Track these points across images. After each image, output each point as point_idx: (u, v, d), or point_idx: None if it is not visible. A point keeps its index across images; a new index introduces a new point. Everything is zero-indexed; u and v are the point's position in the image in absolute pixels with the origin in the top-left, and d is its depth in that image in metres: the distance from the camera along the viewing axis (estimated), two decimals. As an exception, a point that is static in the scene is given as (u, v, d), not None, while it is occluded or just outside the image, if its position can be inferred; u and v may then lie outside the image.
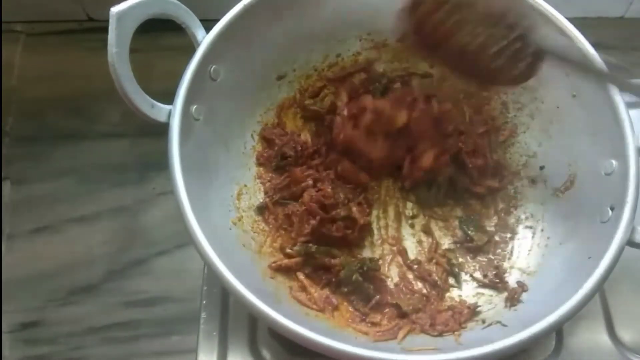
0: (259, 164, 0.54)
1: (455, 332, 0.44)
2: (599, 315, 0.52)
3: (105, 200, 0.58)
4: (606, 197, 0.44)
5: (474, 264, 0.52)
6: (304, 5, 0.51)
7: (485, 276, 0.51)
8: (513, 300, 0.47)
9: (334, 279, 0.48)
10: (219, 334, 0.50)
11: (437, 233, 0.54)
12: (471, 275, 0.51)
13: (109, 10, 0.39)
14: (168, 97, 0.44)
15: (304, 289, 0.48)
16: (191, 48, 0.46)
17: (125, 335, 0.53)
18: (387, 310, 0.47)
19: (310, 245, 0.49)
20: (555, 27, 0.48)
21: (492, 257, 0.52)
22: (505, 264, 0.51)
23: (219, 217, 0.47)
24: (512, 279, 0.50)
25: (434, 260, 0.52)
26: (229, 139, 0.51)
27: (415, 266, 0.51)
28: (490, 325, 0.45)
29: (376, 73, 0.57)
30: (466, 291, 0.50)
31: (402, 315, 0.47)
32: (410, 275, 0.51)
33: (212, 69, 0.47)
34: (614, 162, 0.44)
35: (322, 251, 0.49)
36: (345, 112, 0.52)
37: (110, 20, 0.39)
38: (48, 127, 0.62)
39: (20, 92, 0.64)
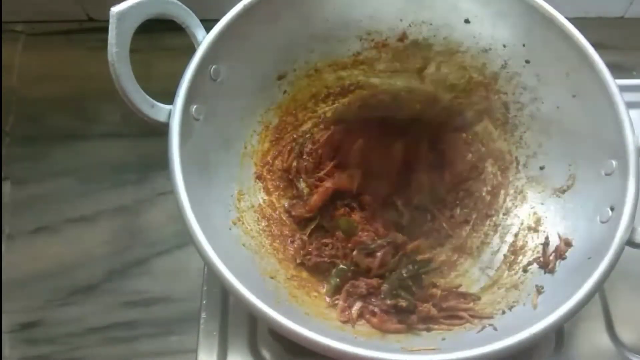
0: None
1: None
2: (599, 315, 0.52)
3: (105, 200, 0.58)
4: (606, 197, 0.44)
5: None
6: (304, 5, 0.51)
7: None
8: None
9: None
10: (219, 334, 0.50)
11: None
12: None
13: (109, 10, 0.39)
14: (168, 97, 0.44)
15: None
16: (191, 48, 0.46)
17: (125, 335, 0.53)
18: None
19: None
20: (555, 27, 0.48)
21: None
22: (505, 264, 0.51)
23: (219, 217, 0.47)
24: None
25: None
26: (230, 139, 0.51)
27: None
28: (490, 325, 0.45)
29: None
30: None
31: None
32: None
33: (212, 68, 0.47)
34: (614, 162, 0.44)
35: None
36: None
37: (111, 20, 0.39)
38: (48, 127, 0.62)
39: (20, 92, 0.64)
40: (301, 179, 0.54)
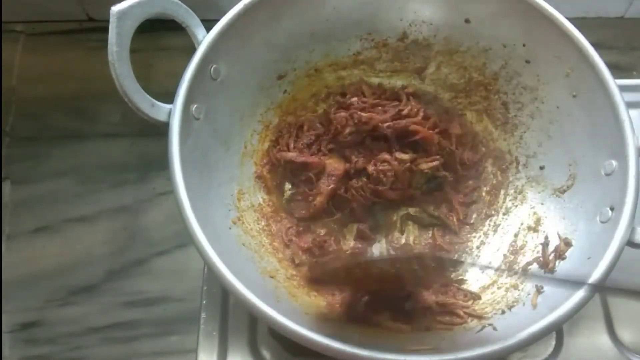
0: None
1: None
2: (599, 315, 0.53)
3: (105, 200, 0.58)
4: (606, 197, 0.44)
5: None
6: (304, 5, 0.51)
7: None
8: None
9: None
10: (219, 334, 0.50)
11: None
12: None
13: (109, 10, 0.39)
14: (168, 97, 0.44)
15: None
16: (191, 48, 0.46)
17: (125, 335, 0.53)
18: None
19: None
20: (555, 27, 0.48)
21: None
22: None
23: (219, 217, 0.47)
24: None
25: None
26: (229, 139, 0.51)
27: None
28: (490, 325, 0.45)
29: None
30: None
31: None
32: None
33: (212, 68, 0.47)
34: (614, 162, 0.44)
35: None
36: None
37: (111, 19, 0.39)
38: (48, 127, 0.62)
39: (20, 92, 0.64)
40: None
